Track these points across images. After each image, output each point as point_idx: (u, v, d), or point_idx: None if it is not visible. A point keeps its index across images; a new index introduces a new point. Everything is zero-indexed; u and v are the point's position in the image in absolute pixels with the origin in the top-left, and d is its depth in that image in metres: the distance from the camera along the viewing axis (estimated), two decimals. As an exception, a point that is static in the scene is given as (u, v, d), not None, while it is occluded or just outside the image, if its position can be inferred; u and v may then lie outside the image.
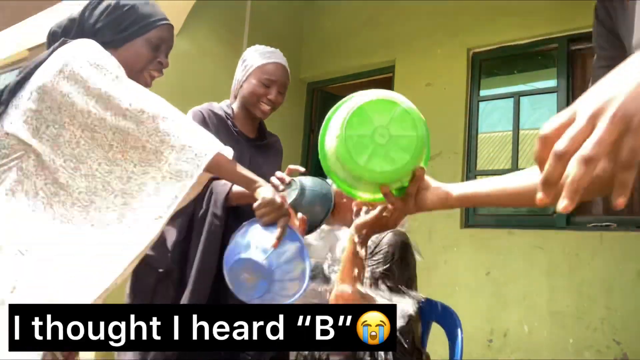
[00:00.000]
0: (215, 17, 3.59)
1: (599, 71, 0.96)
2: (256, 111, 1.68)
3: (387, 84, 4.00)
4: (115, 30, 1.21)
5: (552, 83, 3.20)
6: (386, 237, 1.32)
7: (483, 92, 3.47)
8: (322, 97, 4.53)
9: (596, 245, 2.75)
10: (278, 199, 1.15)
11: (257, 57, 1.68)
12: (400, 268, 1.30)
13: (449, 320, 1.53)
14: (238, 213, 1.46)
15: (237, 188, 1.43)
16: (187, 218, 1.45)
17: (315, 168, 4.47)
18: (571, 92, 3.09)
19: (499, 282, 3.04)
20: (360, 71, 4.20)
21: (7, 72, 4.92)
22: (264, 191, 1.15)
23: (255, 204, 1.15)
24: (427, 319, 1.59)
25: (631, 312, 2.59)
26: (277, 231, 1.13)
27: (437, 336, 1.63)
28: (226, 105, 1.73)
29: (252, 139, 1.73)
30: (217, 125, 1.63)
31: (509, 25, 3.26)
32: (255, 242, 1.13)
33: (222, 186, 1.46)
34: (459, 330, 1.48)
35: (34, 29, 4.46)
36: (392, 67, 3.91)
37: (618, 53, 0.92)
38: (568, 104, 3.06)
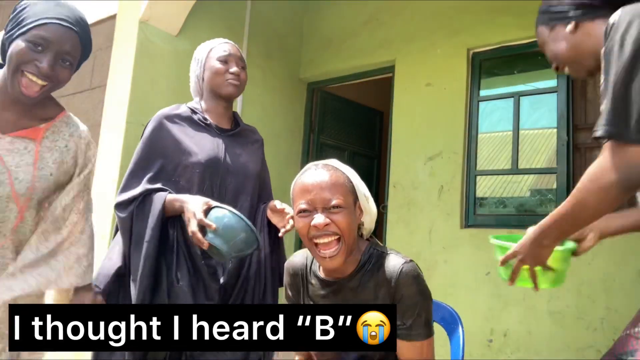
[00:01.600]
0: (215, 17, 3.59)
1: None
2: (226, 90, 1.65)
3: (387, 84, 4.00)
4: (7, 30, 1.18)
5: (552, 83, 3.20)
6: (403, 277, 1.18)
7: (483, 92, 3.47)
8: (322, 97, 4.53)
9: (596, 245, 2.74)
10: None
11: (205, 47, 1.70)
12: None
13: (449, 320, 1.53)
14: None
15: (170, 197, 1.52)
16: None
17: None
18: (571, 92, 3.09)
19: (499, 282, 3.03)
20: (360, 71, 4.20)
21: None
22: None
23: None
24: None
25: (631, 312, 2.57)
26: None
27: (437, 336, 1.62)
28: (195, 103, 1.71)
29: (225, 130, 1.70)
30: (181, 122, 1.63)
31: (509, 25, 3.26)
32: None
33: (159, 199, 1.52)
34: (459, 330, 1.48)
35: (34, 29, 4.45)
36: (392, 67, 3.91)
37: None
38: (568, 103, 3.06)
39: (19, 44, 1.15)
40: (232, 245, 1.36)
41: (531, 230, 1.18)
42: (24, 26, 1.15)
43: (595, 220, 1.12)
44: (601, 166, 0.99)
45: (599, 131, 0.98)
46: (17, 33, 1.16)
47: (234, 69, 1.65)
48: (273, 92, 4.11)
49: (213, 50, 1.67)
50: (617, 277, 2.66)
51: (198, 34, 3.48)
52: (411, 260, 1.22)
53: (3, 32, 1.20)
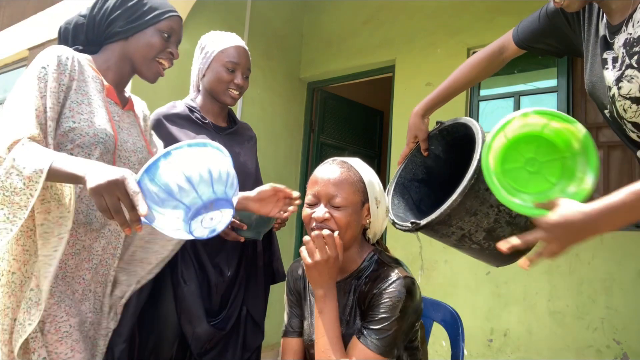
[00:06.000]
0: (215, 17, 3.59)
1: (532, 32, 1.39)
2: (225, 99, 1.63)
3: (387, 84, 4.00)
4: (127, 20, 1.24)
5: (552, 83, 3.20)
6: (391, 288, 1.14)
7: (483, 92, 3.47)
8: (322, 97, 4.53)
9: (596, 245, 2.74)
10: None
11: (216, 42, 1.63)
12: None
13: (450, 320, 1.53)
14: None
15: None
16: None
17: (314, 166, 4.45)
18: (571, 91, 3.09)
19: (499, 282, 3.04)
20: (360, 71, 4.20)
21: (7, 72, 4.92)
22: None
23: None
24: (428, 319, 1.59)
25: (631, 312, 2.59)
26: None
27: (437, 336, 1.63)
28: (190, 100, 1.68)
29: (223, 128, 1.68)
30: (180, 122, 1.59)
31: (509, 25, 3.22)
32: None
33: None
34: (460, 330, 1.48)
35: (34, 29, 4.46)
36: (392, 67, 3.91)
37: (562, 47, 1.34)
38: (568, 103, 3.06)
39: (152, 35, 1.26)
40: (262, 230, 1.52)
41: (593, 216, 0.87)
42: (154, 17, 1.26)
43: None
44: None
45: None
46: (145, 23, 1.25)
47: (238, 80, 1.61)
48: (273, 92, 4.11)
49: (223, 53, 1.61)
50: (617, 277, 2.66)
51: (198, 34, 3.46)
52: (411, 278, 1.17)
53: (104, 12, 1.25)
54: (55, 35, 4.10)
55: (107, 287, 1.22)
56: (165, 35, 1.27)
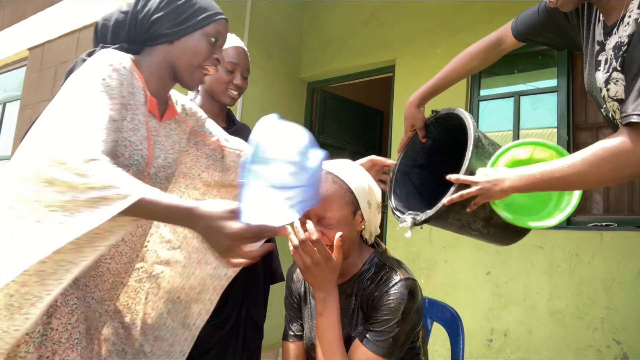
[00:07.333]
0: (215, 17, 3.59)
1: (531, 24, 1.37)
2: (224, 99, 1.63)
3: (387, 84, 4.00)
4: (173, 22, 1.13)
5: (552, 83, 3.20)
6: (394, 290, 1.14)
7: (483, 92, 3.47)
8: (322, 97, 4.53)
9: (596, 245, 2.74)
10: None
11: None
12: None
13: (450, 320, 1.53)
14: None
15: None
16: None
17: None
18: (571, 91, 3.09)
19: (499, 282, 3.04)
20: (360, 71, 4.20)
21: (7, 72, 4.92)
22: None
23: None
24: (428, 319, 1.59)
25: (631, 312, 2.59)
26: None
27: (437, 336, 1.62)
28: (189, 100, 1.69)
29: (222, 129, 1.67)
30: None
31: (509, 25, 3.26)
32: None
33: None
34: (460, 330, 1.48)
35: (34, 29, 4.46)
36: (392, 67, 3.91)
37: (560, 40, 1.35)
38: (568, 103, 3.06)
39: (199, 40, 1.15)
40: None
41: (507, 173, 1.13)
42: (203, 19, 1.15)
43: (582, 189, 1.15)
44: (623, 149, 0.96)
45: (635, 117, 0.95)
46: (194, 26, 1.14)
47: (237, 80, 1.62)
48: (273, 92, 4.11)
49: (224, 52, 1.60)
50: (617, 277, 2.66)
51: (198, 33, 3.46)
52: (413, 280, 1.17)
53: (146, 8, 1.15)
54: (55, 35, 4.11)
55: (115, 291, 1.19)
56: (213, 39, 1.16)
